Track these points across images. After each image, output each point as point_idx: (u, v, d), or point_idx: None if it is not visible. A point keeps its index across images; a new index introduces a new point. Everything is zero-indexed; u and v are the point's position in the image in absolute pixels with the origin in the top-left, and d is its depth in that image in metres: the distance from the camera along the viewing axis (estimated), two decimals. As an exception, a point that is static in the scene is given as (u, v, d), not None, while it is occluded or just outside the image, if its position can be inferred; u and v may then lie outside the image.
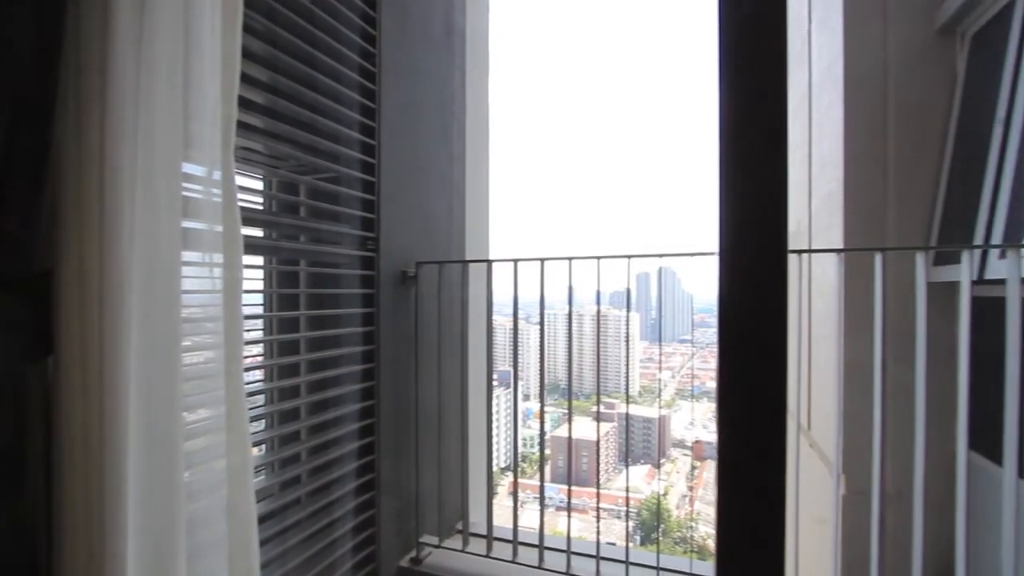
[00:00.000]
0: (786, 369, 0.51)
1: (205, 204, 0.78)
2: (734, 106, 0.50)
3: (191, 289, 0.80)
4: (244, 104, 1.24)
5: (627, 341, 1.51)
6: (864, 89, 2.69)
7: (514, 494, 1.69)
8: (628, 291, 1.56)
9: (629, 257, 1.53)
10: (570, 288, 1.63)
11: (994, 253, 2.09)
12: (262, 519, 1.34)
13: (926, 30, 2.60)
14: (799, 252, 1.54)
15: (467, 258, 2.07)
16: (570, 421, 1.68)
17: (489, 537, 1.78)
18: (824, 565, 1.58)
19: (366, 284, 1.68)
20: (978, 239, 2.24)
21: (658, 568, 1.59)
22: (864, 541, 1.51)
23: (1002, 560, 1.33)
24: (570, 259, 1.60)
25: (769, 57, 0.49)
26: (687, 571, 1.59)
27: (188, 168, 0.82)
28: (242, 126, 1.24)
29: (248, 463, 0.78)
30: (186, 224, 0.79)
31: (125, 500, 0.70)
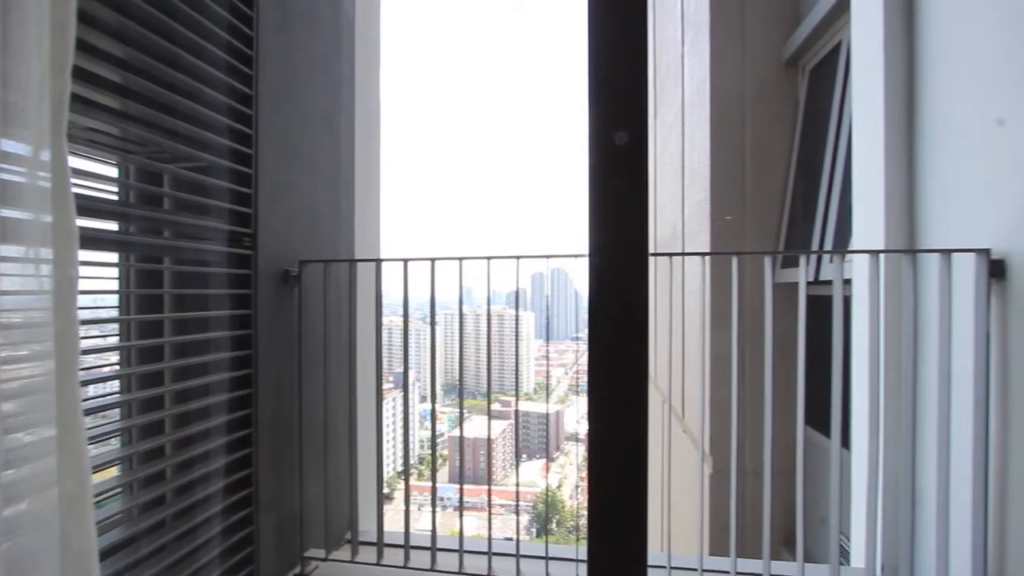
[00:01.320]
0: (647, 361, 0.55)
1: (29, 190, 0.66)
2: (600, 123, 0.53)
3: (10, 290, 0.68)
4: (92, 80, 1.09)
5: (517, 339, 1.55)
6: (726, 110, 3.02)
7: (405, 496, 1.66)
8: (517, 291, 1.61)
9: (518, 258, 1.57)
10: (460, 287, 1.64)
11: (826, 258, 2.44)
12: (116, 548, 1.19)
13: (775, 62, 2.98)
14: (669, 255, 1.68)
15: (356, 257, 1.99)
16: (461, 420, 1.69)
17: (380, 544, 1.73)
18: (693, 536, 1.74)
19: (242, 284, 1.55)
20: (815, 246, 2.61)
21: (547, 558, 1.65)
22: (727, 513, 1.68)
23: (830, 518, 1.56)
24: (460, 259, 1.61)
25: (630, 77, 0.53)
26: (573, 557, 1.67)
27: (7, 147, 0.69)
28: (89, 104, 1.09)
29: (85, 489, 0.68)
30: (3, 213, 0.67)
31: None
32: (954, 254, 1.45)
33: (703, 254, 1.62)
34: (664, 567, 1.63)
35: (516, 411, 1.75)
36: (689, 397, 3.41)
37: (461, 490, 1.66)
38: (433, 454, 1.64)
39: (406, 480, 1.70)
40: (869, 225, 1.83)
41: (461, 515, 1.65)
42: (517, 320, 1.59)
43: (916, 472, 1.56)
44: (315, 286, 1.78)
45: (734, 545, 1.61)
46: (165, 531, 1.31)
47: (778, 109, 3.01)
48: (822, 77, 2.78)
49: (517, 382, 1.67)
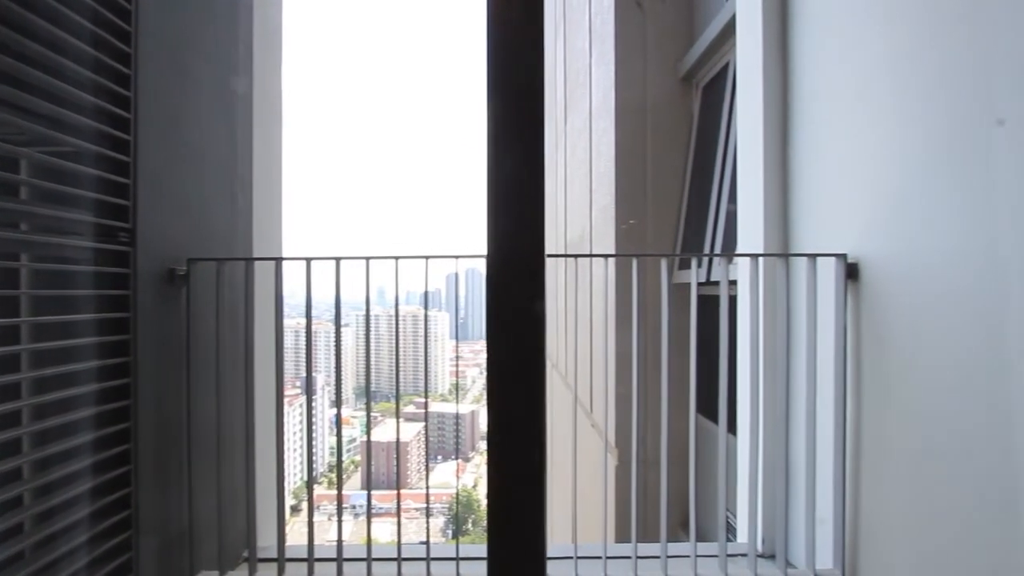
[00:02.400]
0: (544, 359, 0.57)
1: None
2: (497, 127, 0.54)
3: None
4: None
5: (426, 339, 1.53)
6: (630, 119, 3.19)
7: (309, 507, 1.58)
8: (427, 291, 1.59)
9: (427, 258, 1.56)
10: (367, 288, 1.60)
11: (716, 260, 2.66)
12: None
13: (673, 77, 3.20)
14: (576, 256, 1.74)
15: (254, 255, 1.87)
16: (368, 423, 1.64)
17: (280, 560, 1.64)
18: (600, 525, 1.82)
19: (118, 284, 1.40)
20: (706, 249, 2.83)
21: (457, 559, 1.65)
22: (630, 502, 1.78)
23: (718, 499, 1.71)
24: (367, 259, 1.56)
25: (527, 82, 0.55)
26: (483, 556, 1.68)
27: None
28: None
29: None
30: None
31: None
32: (819, 258, 1.65)
33: (605, 256, 1.71)
34: (571, 557, 1.69)
35: (426, 411, 1.73)
36: (597, 394, 3.56)
37: (369, 496, 1.61)
38: (339, 460, 1.58)
39: (309, 489, 1.62)
40: (751, 230, 2.02)
41: (369, 521, 1.61)
42: (426, 320, 1.58)
43: (790, 453, 1.74)
44: (207, 286, 1.65)
45: (635, 532, 1.71)
46: (23, 565, 1.16)
47: (676, 121, 3.23)
48: (713, 93, 3.02)
49: (427, 382, 1.65)
